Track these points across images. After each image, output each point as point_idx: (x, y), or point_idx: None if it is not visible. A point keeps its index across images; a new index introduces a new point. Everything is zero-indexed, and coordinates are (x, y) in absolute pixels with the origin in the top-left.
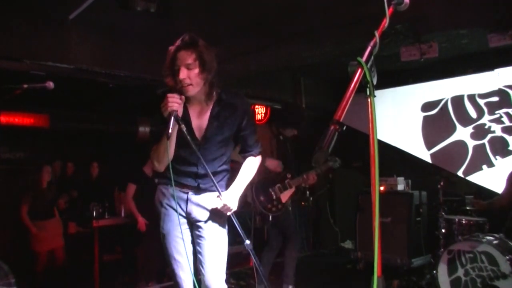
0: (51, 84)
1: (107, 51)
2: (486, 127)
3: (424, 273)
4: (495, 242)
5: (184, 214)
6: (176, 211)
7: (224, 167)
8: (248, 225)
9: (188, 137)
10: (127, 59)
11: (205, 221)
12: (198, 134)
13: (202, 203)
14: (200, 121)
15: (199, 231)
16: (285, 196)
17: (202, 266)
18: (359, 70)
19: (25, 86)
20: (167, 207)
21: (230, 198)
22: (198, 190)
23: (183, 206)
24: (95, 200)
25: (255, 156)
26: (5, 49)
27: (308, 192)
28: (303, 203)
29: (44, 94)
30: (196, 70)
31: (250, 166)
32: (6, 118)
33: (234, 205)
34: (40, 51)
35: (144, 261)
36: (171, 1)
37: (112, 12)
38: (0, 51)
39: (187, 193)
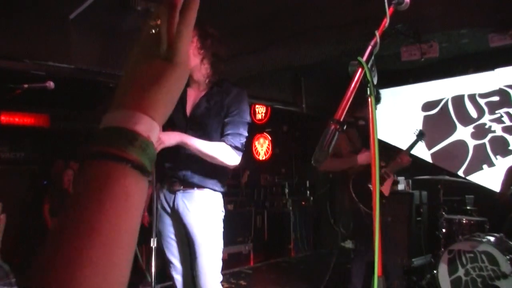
0: (51, 84)
1: (107, 51)
2: (487, 126)
3: (424, 273)
4: (495, 242)
5: (173, 215)
6: (166, 211)
7: (212, 164)
8: (249, 224)
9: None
10: (127, 59)
11: (195, 224)
12: (189, 113)
13: (191, 204)
14: (194, 101)
15: (190, 234)
16: (386, 189)
17: (195, 270)
18: (360, 70)
19: (26, 86)
20: (159, 207)
21: (169, 133)
22: (186, 186)
23: (172, 207)
24: None
25: (226, 143)
26: (6, 49)
27: (308, 192)
28: (303, 203)
29: (44, 94)
30: (194, 44)
31: (216, 144)
32: (7, 118)
33: (168, 139)
34: (41, 51)
35: (146, 260)
36: None
37: (112, 12)
38: (1, 51)
39: (175, 193)
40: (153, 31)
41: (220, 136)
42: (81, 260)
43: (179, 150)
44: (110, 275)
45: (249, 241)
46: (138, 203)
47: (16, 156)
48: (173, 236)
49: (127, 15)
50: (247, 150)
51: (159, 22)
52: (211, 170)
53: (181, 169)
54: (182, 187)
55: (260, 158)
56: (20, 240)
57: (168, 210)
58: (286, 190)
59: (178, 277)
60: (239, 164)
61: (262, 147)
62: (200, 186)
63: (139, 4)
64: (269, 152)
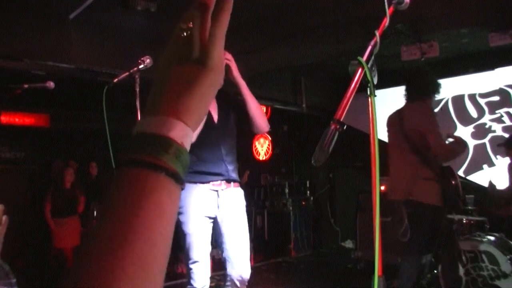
0: (51, 84)
1: (107, 51)
2: (487, 126)
3: (424, 273)
4: (495, 241)
5: (212, 214)
6: (203, 211)
7: (235, 156)
8: (250, 224)
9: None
10: (127, 59)
11: (234, 216)
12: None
13: (231, 199)
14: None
15: (227, 226)
16: None
17: (231, 258)
18: (360, 70)
19: (26, 85)
20: (194, 207)
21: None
22: (228, 182)
23: (214, 205)
24: (96, 200)
25: None
26: (6, 49)
27: (308, 192)
28: (303, 203)
29: (44, 94)
30: None
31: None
32: (7, 118)
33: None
34: (41, 50)
35: None
36: (171, 1)
37: (112, 12)
38: (1, 50)
39: (217, 190)
40: (185, 34)
41: (230, 133)
42: (116, 273)
43: (220, 145)
44: (144, 286)
45: (249, 241)
46: (172, 212)
47: (16, 156)
48: (205, 236)
49: (127, 15)
50: (247, 150)
51: (191, 25)
52: (237, 164)
53: (222, 165)
54: (224, 183)
55: (260, 158)
56: (21, 240)
57: (208, 209)
58: (286, 190)
59: (200, 274)
60: (239, 164)
61: (262, 147)
62: (236, 181)
63: (139, 4)
64: (269, 152)
